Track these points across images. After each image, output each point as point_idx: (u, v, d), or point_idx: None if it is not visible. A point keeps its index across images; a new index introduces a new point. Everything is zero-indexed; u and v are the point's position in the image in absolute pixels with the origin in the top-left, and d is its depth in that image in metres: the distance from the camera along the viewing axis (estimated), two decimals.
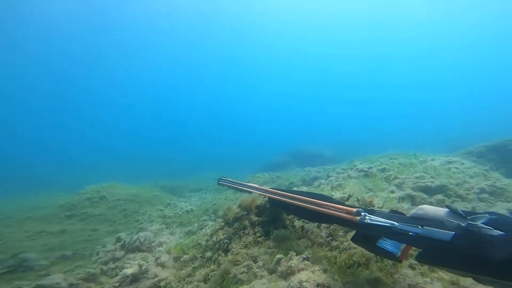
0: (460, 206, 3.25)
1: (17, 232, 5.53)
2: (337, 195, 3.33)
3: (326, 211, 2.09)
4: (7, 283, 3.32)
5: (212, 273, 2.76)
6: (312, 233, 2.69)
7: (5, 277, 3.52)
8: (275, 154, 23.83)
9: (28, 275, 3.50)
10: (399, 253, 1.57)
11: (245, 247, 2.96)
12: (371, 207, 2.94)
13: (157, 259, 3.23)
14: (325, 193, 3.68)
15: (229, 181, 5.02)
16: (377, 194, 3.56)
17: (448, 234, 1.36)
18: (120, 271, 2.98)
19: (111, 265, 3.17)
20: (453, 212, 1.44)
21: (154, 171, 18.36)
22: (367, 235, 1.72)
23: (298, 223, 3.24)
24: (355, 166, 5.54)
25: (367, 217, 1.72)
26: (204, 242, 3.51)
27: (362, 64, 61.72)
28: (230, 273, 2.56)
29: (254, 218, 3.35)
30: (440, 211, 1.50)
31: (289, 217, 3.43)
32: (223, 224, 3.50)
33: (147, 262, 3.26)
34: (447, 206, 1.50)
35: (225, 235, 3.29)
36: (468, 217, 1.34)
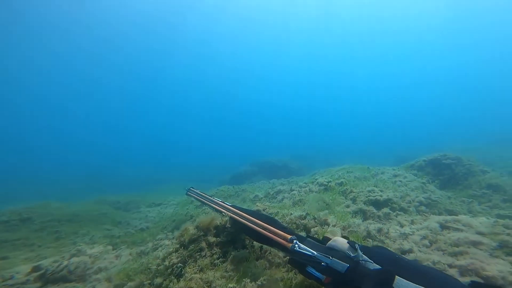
0: (402, 219, 3.58)
1: None
2: (296, 213, 3.37)
3: (268, 235, 2.26)
4: None
5: None
6: (270, 253, 2.63)
7: None
8: (243, 163, 23.80)
9: None
10: (324, 277, 1.70)
11: (200, 271, 2.74)
12: (325, 225, 3.05)
13: None
14: (285, 209, 3.71)
15: (197, 193, 4.88)
16: (334, 209, 3.72)
17: (343, 266, 1.60)
18: None
19: None
20: (351, 245, 1.72)
21: (106, 186, 16.41)
22: (298, 260, 1.90)
23: (256, 243, 3.15)
24: (316, 179, 5.78)
25: (296, 246, 1.92)
26: (154, 267, 3.14)
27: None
28: None
29: (212, 239, 3.15)
30: (345, 244, 1.78)
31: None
32: (177, 246, 3.21)
33: None
34: (348, 241, 1.78)
35: (178, 259, 3.00)
36: (358, 252, 1.61)
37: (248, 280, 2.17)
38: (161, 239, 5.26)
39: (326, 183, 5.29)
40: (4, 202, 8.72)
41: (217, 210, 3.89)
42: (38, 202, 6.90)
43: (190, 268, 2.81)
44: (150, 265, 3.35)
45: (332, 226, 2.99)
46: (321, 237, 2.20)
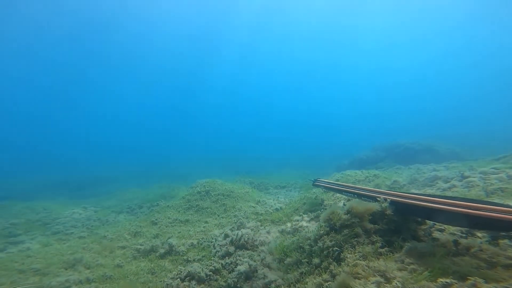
0: None
1: (163, 218, 7.19)
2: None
3: (485, 214, 1.62)
4: (170, 262, 4.36)
5: (326, 284, 2.44)
6: (481, 250, 1.88)
7: (167, 257, 4.64)
8: (362, 149, 21.08)
9: (177, 258, 4.52)
10: None
11: (363, 258, 2.47)
12: None
13: (262, 259, 3.23)
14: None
15: (326, 182, 4.73)
16: None
17: None
18: (235, 267, 3.17)
19: (227, 260, 3.46)
20: None
21: (240, 168, 20.08)
22: None
23: (441, 235, 2.42)
24: None
25: None
26: (307, 247, 3.25)
27: None
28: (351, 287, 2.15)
29: (369, 225, 2.79)
30: None
31: (422, 227, 2.65)
32: (327, 229, 3.12)
33: (254, 261, 3.33)
34: None
35: (332, 242, 2.90)
36: None
37: (482, 280, 1.52)
38: (297, 221, 5.52)
39: None
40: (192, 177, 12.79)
41: (362, 196, 3.51)
42: (210, 179, 9.65)
43: (349, 253, 2.62)
44: (302, 244, 3.54)
45: None
46: None
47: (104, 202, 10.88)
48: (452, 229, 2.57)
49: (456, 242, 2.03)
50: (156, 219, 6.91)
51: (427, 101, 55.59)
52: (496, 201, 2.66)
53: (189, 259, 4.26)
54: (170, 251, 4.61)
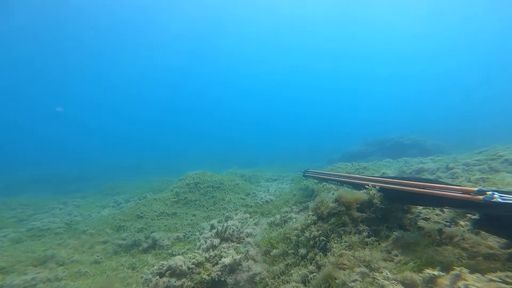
0: None
1: (149, 212, 6.99)
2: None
3: (440, 192, 1.77)
4: (154, 257, 4.27)
5: (311, 275, 2.37)
6: (463, 239, 1.83)
7: (150, 251, 4.51)
8: (353, 143, 21.36)
9: (161, 252, 4.44)
10: None
11: (349, 247, 2.41)
12: None
13: (247, 251, 3.13)
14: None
15: (316, 172, 4.70)
16: None
17: None
18: (219, 260, 3.06)
19: (211, 253, 3.35)
20: None
21: (234, 162, 19.97)
22: (498, 218, 1.51)
23: (426, 223, 2.39)
24: (502, 156, 3.84)
25: (495, 195, 1.41)
26: (294, 237, 3.17)
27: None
28: (336, 279, 2.08)
29: (356, 213, 2.73)
30: None
31: (408, 215, 2.61)
32: (315, 218, 3.04)
33: (239, 253, 3.23)
34: None
35: (319, 231, 2.82)
36: None
37: (466, 270, 1.42)
38: (286, 212, 5.47)
39: None
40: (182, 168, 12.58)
41: (350, 184, 3.48)
42: (199, 171, 9.41)
43: (335, 243, 2.55)
44: (288, 235, 3.46)
45: None
46: None
47: (89, 197, 10.51)
48: (436, 218, 2.55)
49: (440, 231, 1.98)
50: (141, 213, 6.70)
51: (420, 98, 57.45)
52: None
53: (174, 252, 4.13)
54: (154, 245, 4.47)
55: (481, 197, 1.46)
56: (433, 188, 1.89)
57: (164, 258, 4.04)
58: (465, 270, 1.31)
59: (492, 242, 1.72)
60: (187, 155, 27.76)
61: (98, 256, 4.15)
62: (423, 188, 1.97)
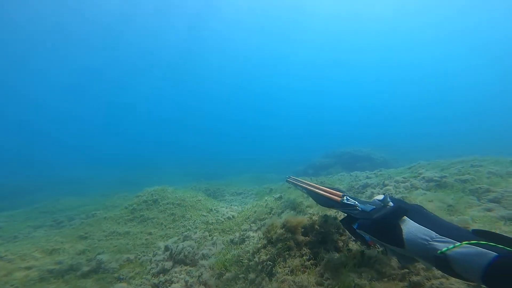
0: None
1: (96, 231, 6.37)
2: None
3: (325, 194, 2.78)
4: (94, 282, 3.90)
5: None
6: (376, 261, 2.17)
7: (91, 276, 4.09)
8: (317, 155, 22.76)
9: (106, 276, 4.08)
10: (370, 240, 2.00)
11: (291, 272, 2.62)
12: None
13: (200, 275, 3.12)
14: None
15: (297, 180, 5.05)
16: (464, 212, 2.75)
17: (370, 207, 2.05)
18: (169, 286, 2.98)
19: (161, 278, 3.22)
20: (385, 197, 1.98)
21: (199, 173, 19.40)
22: (349, 219, 2.25)
23: (355, 246, 2.73)
24: (420, 174, 4.59)
25: (345, 198, 2.35)
26: (246, 261, 3.29)
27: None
28: None
29: (301, 237, 2.98)
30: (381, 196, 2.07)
31: (342, 238, 2.94)
32: (265, 242, 3.22)
33: (192, 277, 3.20)
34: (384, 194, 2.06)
35: (267, 256, 3.00)
36: (385, 199, 1.97)
37: None
38: (245, 230, 5.57)
39: (438, 178, 4.09)
40: (145, 183, 11.74)
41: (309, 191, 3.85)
42: (159, 187, 8.83)
43: (280, 268, 2.74)
44: (241, 258, 3.56)
45: None
46: None
47: (19, 216, 9.06)
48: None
49: (363, 253, 2.31)
50: (86, 233, 6.06)
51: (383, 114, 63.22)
52: None
53: (121, 276, 3.85)
54: (98, 269, 4.09)
55: (340, 199, 2.38)
56: (330, 193, 2.75)
57: (108, 283, 3.75)
58: None
59: (395, 263, 2.09)
60: (151, 167, 25.95)
61: (12, 286, 3.58)
62: (328, 193, 2.78)
